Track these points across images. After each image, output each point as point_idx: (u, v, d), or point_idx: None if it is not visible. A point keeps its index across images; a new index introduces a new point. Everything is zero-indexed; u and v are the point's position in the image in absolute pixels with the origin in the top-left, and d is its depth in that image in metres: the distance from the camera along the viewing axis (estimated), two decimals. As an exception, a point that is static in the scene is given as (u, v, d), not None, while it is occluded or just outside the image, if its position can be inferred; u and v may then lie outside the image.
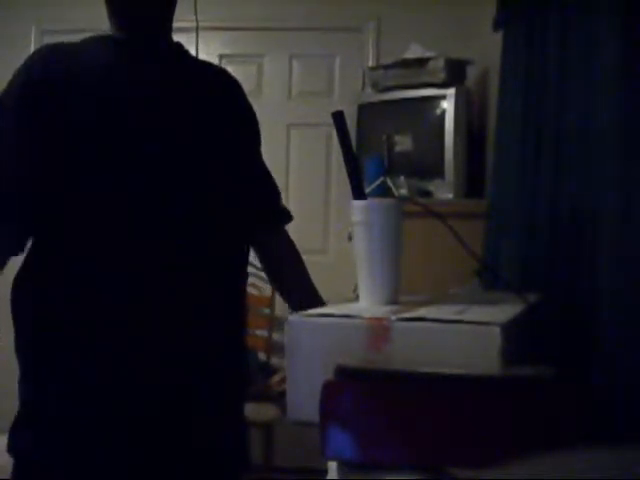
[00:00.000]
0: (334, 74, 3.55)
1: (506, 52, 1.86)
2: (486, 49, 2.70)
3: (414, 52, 2.86)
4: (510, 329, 0.88)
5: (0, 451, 1.26)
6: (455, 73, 2.77)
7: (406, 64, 2.83)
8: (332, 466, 0.87)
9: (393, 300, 1.06)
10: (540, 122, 1.65)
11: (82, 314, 1.23)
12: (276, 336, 3.30)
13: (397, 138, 2.74)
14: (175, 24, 1.40)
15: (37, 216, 1.26)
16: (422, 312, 0.95)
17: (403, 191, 2.50)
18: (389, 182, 2.38)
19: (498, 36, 1.91)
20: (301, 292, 1.53)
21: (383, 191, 2.31)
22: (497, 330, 0.84)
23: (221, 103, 1.40)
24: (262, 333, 3.31)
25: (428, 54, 2.82)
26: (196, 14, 1.54)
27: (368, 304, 1.06)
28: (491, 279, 1.55)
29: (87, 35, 1.37)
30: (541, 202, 1.63)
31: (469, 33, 3.08)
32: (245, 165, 1.44)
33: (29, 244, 1.29)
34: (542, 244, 1.62)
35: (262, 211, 1.51)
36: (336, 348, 0.88)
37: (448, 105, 2.70)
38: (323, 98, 3.48)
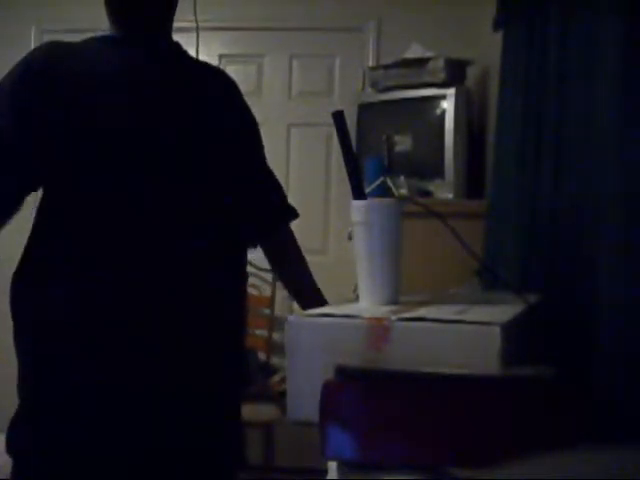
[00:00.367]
0: (334, 74, 3.54)
1: (506, 52, 1.86)
2: (486, 49, 2.70)
3: (414, 52, 2.86)
4: (510, 329, 0.88)
5: (0, 451, 1.26)
6: (455, 73, 2.77)
7: (406, 64, 2.83)
8: (332, 466, 0.87)
9: (393, 300, 1.06)
10: (540, 122, 1.65)
11: (81, 313, 1.23)
12: (276, 336, 3.30)
13: (397, 138, 2.74)
14: (175, 24, 1.40)
15: (34, 178, 1.25)
16: (422, 312, 0.95)
17: (403, 191, 2.50)
18: (389, 182, 2.38)
19: (498, 36, 1.91)
20: (304, 289, 1.56)
21: (383, 191, 2.31)
22: (497, 330, 0.84)
23: (220, 103, 1.40)
24: (262, 333, 3.31)
25: (428, 54, 2.81)
26: (196, 14, 1.54)
27: (368, 304, 1.06)
28: (491, 279, 1.55)
29: (87, 35, 1.37)
30: (541, 202, 1.63)
31: (469, 33, 3.08)
32: (245, 164, 1.44)
33: (27, 243, 1.28)
34: (542, 244, 1.62)
35: (266, 209, 1.52)
36: (336, 348, 0.88)
37: (448, 105, 2.69)
38: (323, 98, 3.48)
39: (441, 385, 0.81)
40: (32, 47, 1.37)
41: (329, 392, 0.83)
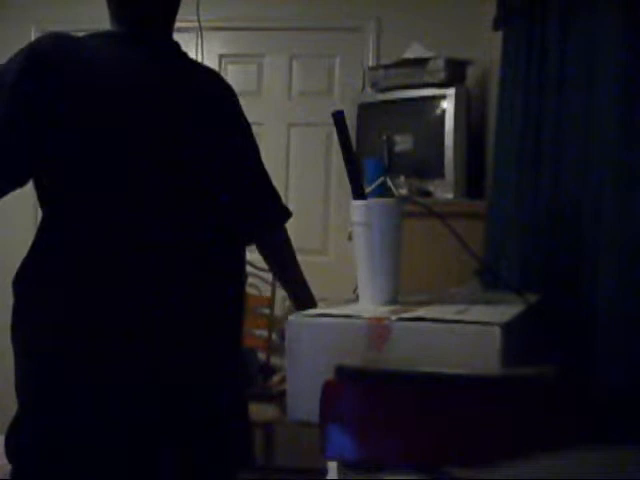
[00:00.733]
0: (334, 74, 3.54)
1: (506, 52, 1.86)
2: (486, 49, 2.70)
3: (414, 52, 2.86)
4: (510, 329, 0.88)
5: (0, 452, 1.26)
6: (455, 73, 2.77)
7: (406, 64, 2.83)
8: (332, 466, 0.87)
9: (393, 300, 1.06)
10: (540, 122, 1.65)
11: (81, 314, 1.23)
12: (276, 336, 3.30)
13: (397, 138, 2.74)
14: (175, 24, 1.40)
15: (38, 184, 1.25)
16: (422, 312, 0.95)
17: (403, 191, 2.50)
18: (389, 182, 2.38)
19: (498, 36, 1.91)
20: (297, 290, 1.60)
21: (383, 191, 2.31)
22: (497, 330, 0.84)
23: (217, 103, 1.42)
24: (262, 333, 3.31)
25: (428, 54, 2.81)
26: (198, 15, 1.54)
27: (368, 304, 1.06)
28: (491, 279, 1.55)
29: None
30: (541, 202, 1.63)
31: (469, 33, 3.08)
32: (240, 164, 1.45)
33: (28, 243, 1.29)
34: (542, 244, 1.62)
35: (261, 210, 1.53)
36: (336, 348, 0.88)
37: (448, 105, 2.69)
38: (323, 98, 3.48)
39: (441, 385, 0.81)
40: (32, 47, 1.35)
41: (329, 392, 0.83)
